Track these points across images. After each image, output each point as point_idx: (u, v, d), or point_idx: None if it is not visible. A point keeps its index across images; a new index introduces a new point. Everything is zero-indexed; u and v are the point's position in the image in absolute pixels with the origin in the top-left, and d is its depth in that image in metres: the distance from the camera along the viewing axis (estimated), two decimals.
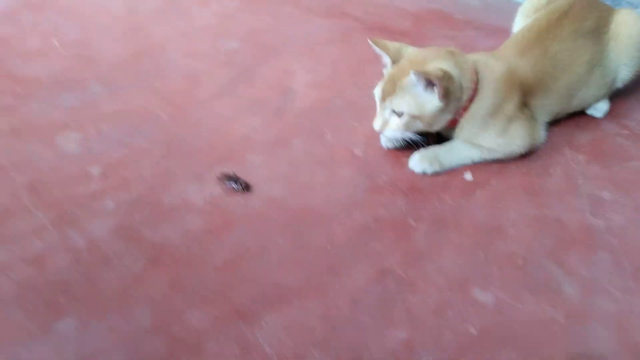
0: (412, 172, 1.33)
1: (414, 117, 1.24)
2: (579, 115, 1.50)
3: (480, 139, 1.31)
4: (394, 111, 1.26)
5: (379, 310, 1.01)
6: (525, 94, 1.32)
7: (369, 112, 1.50)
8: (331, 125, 1.49)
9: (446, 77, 1.19)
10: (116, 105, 1.55)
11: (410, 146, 1.38)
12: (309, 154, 1.39)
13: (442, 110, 1.24)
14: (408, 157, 1.35)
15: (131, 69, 1.72)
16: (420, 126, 1.27)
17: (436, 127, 1.29)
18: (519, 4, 1.63)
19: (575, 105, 1.45)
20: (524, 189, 1.28)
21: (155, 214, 1.20)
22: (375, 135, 1.42)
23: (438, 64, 1.22)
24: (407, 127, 1.26)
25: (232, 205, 1.24)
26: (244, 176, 1.30)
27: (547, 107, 1.38)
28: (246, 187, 1.27)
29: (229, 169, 1.32)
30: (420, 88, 1.21)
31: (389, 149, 1.40)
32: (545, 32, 1.38)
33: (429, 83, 1.19)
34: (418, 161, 1.32)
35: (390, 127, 1.28)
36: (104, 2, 2.12)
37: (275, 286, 1.06)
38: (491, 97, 1.27)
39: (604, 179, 1.30)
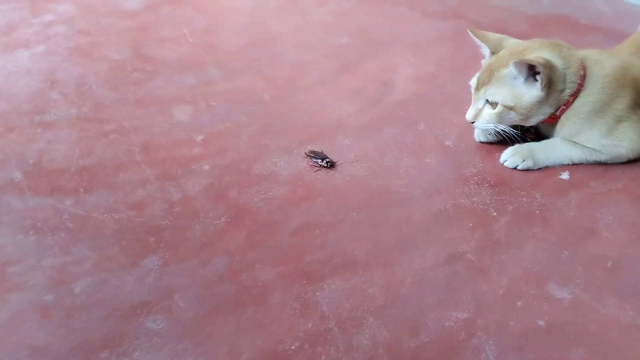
0: (503, 167, 1.27)
1: (508, 108, 1.20)
2: None
3: (582, 138, 1.23)
4: (487, 101, 1.22)
5: (444, 290, 0.99)
6: (638, 95, 1.21)
7: (467, 106, 1.48)
8: (425, 117, 1.48)
9: (548, 65, 1.13)
10: (227, 85, 1.68)
11: (505, 142, 1.34)
12: (398, 140, 1.40)
13: (540, 103, 1.18)
14: (501, 152, 1.30)
15: (245, 57, 1.86)
16: (515, 118, 1.22)
17: (532, 120, 1.23)
18: None
19: None
20: (628, 195, 1.17)
21: (243, 180, 1.29)
22: (469, 128, 1.39)
23: (541, 53, 1.17)
24: (500, 118, 1.22)
25: (315, 179, 1.28)
26: (331, 155, 1.34)
27: None
28: (331, 165, 1.31)
29: (318, 148, 1.37)
30: (519, 79, 1.17)
31: (481, 143, 1.36)
32: None
33: (531, 72, 1.14)
34: (510, 155, 1.26)
35: (483, 118, 1.24)
36: (232, 0, 2.31)
37: (343, 254, 1.08)
38: (598, 93, 1.19)
39: None
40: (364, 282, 1.01)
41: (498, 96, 1.20)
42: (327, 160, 1.31)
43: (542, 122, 1.25)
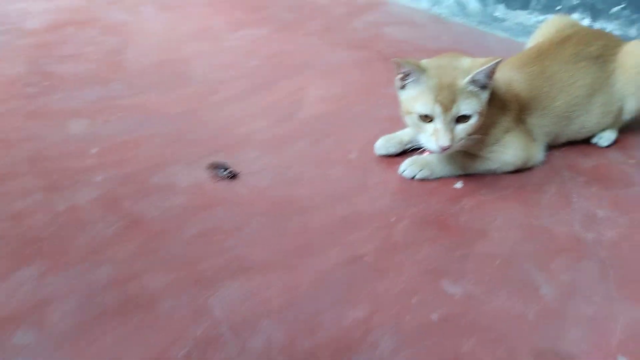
0: (402, 177, 1.31)
1: (480, 115, 1.17)
2: (583, 143, 1.45)
3: (475, 147, 1.29)
4: (456, 119, 1.17)
5: (342, 291, 0.97)
6: (521, 109, 1.30)
7: (372, 123, 1.53)
8: (332, 133, 1.50)
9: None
10: (131, 100, 1.63)
11: (403, 155, 1.38)
12: (304, 154, 1.40)
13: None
14: (400, 164, 1.34)
15: (153, 74, 1.82)
16: (473, 128, 1.19)
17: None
18: None
19: (575, 131, 1.40)
20: (516, 200, 1.23)
21: (139, 190, 1.23)
22: (372, 143, 1.42)
23: (482, 62, 1.18)
24: (466, 132, 1.18)
25: (216, 189, 1.25)
26: (235, 167, 1.32)
27: (544, 127, 1.35)
28: (233, 175, 1.28)
29: (222, 160, 1.34)
30: (477, 86, 1.17)
31: (381, 156, 1.39)
32: (546, 51, 1.37)
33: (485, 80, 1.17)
34: (409, 165, 1.30)
35: (458, 135, 1.17)
36: (144, 24, 2.28)
37: (241, 259, 1.04)
38: (492, 105, 1.26)
39: (601, 198, 1.24)
40: (261, 285, 0.98)
41: (473, 106, 1.16)
42: (230, 170, 1.29)
43: None
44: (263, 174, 1.31)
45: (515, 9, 2.21)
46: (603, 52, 1.38)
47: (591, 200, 1.23)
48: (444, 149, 1.16)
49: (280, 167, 1.34)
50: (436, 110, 1.15)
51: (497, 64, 1.15)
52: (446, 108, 1.14)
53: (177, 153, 1.38)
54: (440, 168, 1.30)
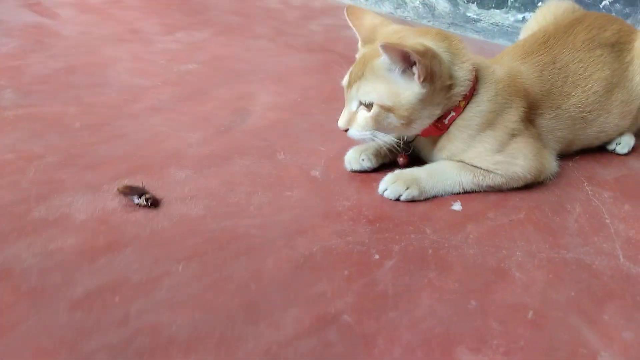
0: (383, 198, 0.99)
1: (385, 109, 0.93)
2: (597, 150, 1.19)
3: (472, 155, 0.99)
4: (361, 102, 0.95)
5: None
6: (531, 109, 1.02)
7: (337, 133, 1.20)
8: (287, 146, 1.17)
9: (429, 55, 0.89)
10: (22, 111, 1.25)
11: (382, 169, 1.07)
12: (251, 173, 1.06)
13: (423, 102, 0.92)
14: (379, 181, 1.02)
15: (58, 81, 1.44)
16: (396, 123, 0.94)
17: (416, 127, 0.97)
18: None
19: (592, 136, 1.14)
20: (534, 226, 0.93)
21: (14, 228, 0.85)
22: (340, 157, 1.10)
23: (422, 40, 0.93)
24: (377, 123, 0.94)
25: (127, 223, 0.89)
26: (158, 192, 0.97)
27: (556, 131, 1.07)
28: (152, 203, 0.93)
29: (139, 182, 0.98)
30: (395, 71, 0.91)
31: (354, 172, 1.07)
32: (554, 39, 1.10)
33: (408, 63, 0.89)
34: (391, 183, 0.99)
35: (357, 123, 0.96)
36: (59, 27, 1.90)
37: (154, 331, 0.68)
38: (489, 102, 0.97)
39: (639, 218, 0.96)
40: None
41: (373, 94, 0.93)
42: (147, 196, 0.93)
43: (425, 133, 1.00)
44: (195, 200, 0.96)
45: (490, 8, 1.97)
46: (619, 38, 1.13)
47: (628, 222, 0.95)
48: (344, 131, 0.98)
49: (218, 190, 1.00)
50: (345, 84, 0.99)
51: (417, 52, 0.86)
52: (349, 85, 0.97)
53: (75, 176, 1.01)
54: (431, 185, 0.99)
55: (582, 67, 1.07)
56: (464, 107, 0.97)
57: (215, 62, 1.66)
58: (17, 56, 1.60)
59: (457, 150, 0.99)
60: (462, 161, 1.00)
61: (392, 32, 0.98)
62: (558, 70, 1.05)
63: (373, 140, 0.97)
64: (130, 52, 1.70)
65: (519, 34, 1.80)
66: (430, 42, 0.92)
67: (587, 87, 1.07)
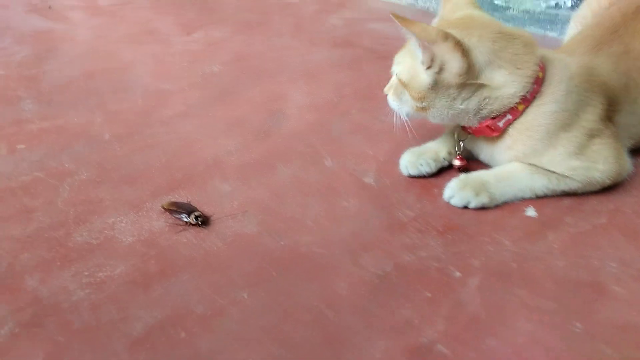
0: (449, 206, 0.91)
1: (402, 84, 0.92)
2: None
3: (545, 160, 0.91)
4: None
5: None
6: (610, 105, 0.93)
7: (382, 134, 1.13)
8: (332, 150, 1.09)
9: (446, 45, 0.83)
10: (46, 123, 1.18)
11: (442, 173, 0.99)
12: (300, 181, 0.99)
13: (435, 92, 0.88)
14: (442, 187, 0.94)
15: (79, 89, 1.37)
16: (410, 103, 0.93)
17: (436, 115, 0.92)
18: None
19: None
20: (620, 232, 0.85)
21: (55, 256, 0.78)
22: (393, 161, 1.02)
23: (459, 31, 0.87)
24: (396, 94, 0.96)
25: (178, 245, 0.81)
26: (206, 207, 0.89)
27: (631, 128, 0.99)
28: (203, 221, 0.85)
29: (183, 198, 0.91)
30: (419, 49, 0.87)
31: (411, 177, 0.99)
32: (623, 27, 1.01)
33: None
34: (458, 189, 0.90)
35: (399, 97, 0.96)
36: (71, 31, 1.82)
37: None
38: (563, 100, 0.89)
39: None
40: None
41: (399, 66, 0.94)
42: (197, 214, 0.85)
43: (477, 132, 0.93)
44: (247, 216, 0.88)
45: None
46: None
47: None
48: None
49: (269, 204, 0.92)
50: None
51: (426, 38, 0.83)
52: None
53: (113, 193, 0.93)
54: (502, 191, 0.91)
55: None
56: (523, 110, 0.89)
57: (239, 62, 1.58)
58: (32, 64, 1.52)
59: (524, 153, 0.91)
60: (533, 165, 0.92)
61: (457, 18, 0.92)
62: (633, 61, 0.97)
63: (399, 110, 0.97)
64: (150, 55, 1.62)
65: (551, 22, 1.72)
66: (469, 37, 0.85)
67: None
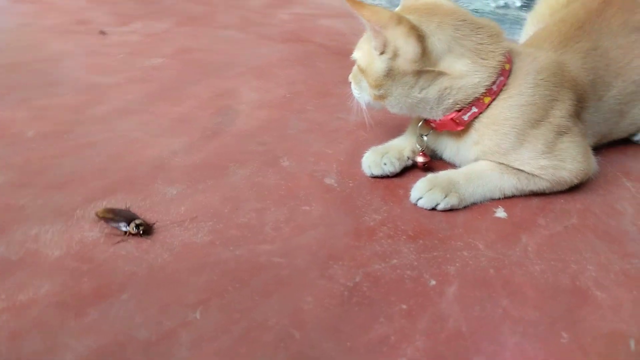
0: (417, 208, 0.85)
1: (360, 70, 0.89)
2: (621, 143, 1.10)
3: (513, 158, 0.86)
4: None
5: None
6: (578, 102, 0.91)
7: (340, 132, 1.06)
8: (289, 150, 1.01)
9: (399, 30, 0.79)
10: None
11: (406, 172, 0.93)
12: (255, 185, 0.89)
13: (391, 79, 0.84)
14: (407, 187, 0.88)
15: (3, 82, 1.20)
16: (369, 90, 0.88)
17: (392, 105, 0.88)
18: None
19: (623, 128, 1.04)
20: (593, 232, 0.82)
21: None
22: (354, 161, 0.96)
23: (418, 16, 0.82)
24: (356, 80, 0.92)
25: (116, 258, 0.70)
26: (148, 214, 0.78)
27: (595, 126, 0.97)
28: (145, 230, 0.74)
29: (121, 204, 0.80)
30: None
31: (374, 177, 0.93)
32: (589, 23, 0.99)
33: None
34: (426, 190, 0.85)
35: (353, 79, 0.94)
36: None
37: None
38: (531, 93, 0.85)
39: None
40: None
41: (358, 52, 0.90)
42: (137, 222, 0.74)
43: (440, 127, 0.89)
44: (196, 223, 0.78)
45: None
46: None
47: None
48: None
49: (221, 209, 0.82)
50: None
51: (376, 20, 0.80)
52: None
53: (37, 199, 0.81)
54: (471, 191, 0.86)
55: (621, 53, 0.97)
56: (489, 103, 0.85)
57: (183, 56, 1.47)
58: None
59: (490, 150, 0.86)
60: (501, 163, 0.88)
61: (420, 3, 0.87)
62: (600, 57, 0.95)
63: (359, 98, 0.93)
64: (82, 46, 1.47)
65: (499, 21, 1.71)
66: (427, 23, 0.81)
67: (627, 76, 0.97)
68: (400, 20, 0.79)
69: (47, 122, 1.04)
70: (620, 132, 1.04)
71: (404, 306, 0.65)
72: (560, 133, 0.87)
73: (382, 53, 0.81)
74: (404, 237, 0.78)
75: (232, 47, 1.57)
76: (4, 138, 0.97)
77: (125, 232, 0.74)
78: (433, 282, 0.70)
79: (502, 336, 0.62)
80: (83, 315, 0.61)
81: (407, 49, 0.80)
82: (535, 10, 1.24)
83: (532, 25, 1.22)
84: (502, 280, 0.71)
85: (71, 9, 1.78)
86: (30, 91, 1.17)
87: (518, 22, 1.76)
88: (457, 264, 0.73)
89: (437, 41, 0.81)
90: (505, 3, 1.83)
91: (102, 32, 1.54)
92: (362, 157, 0.95)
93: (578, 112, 0.90)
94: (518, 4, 1.80)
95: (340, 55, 1.54)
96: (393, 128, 1.06)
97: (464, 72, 0.83)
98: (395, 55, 0.81)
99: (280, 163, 0.97)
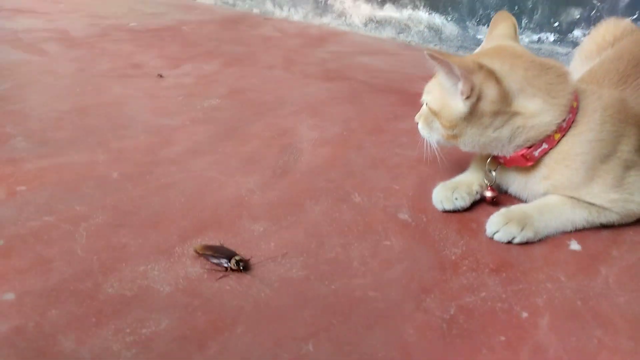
0: (492, 241, 0.89)
1: (432, 113, 0.94)
2: None
3: (584, 192, 0.90)
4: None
5: None
6: None
7: (403, 169, 1.10)
8: (357, 186, 1.06)
9: (481, 75, 0.85)
10: (45, 162, 1.08)
11: (475, 207, 0.97)
12: (333, 220, 0.94)
13: (467, 121, 0.89)
14: (479, 221, 0.92)
15: (74, 125, 1.28)
16: (441, 132, 0.94)
17: (465, 143, 0.93)
18: None
19: None
20: None
21: (88, 312, 0.69)
22: (423, 196, 1.00)
23: (491, 61, 0.88)
24: (427, 122, 0.96)
25: (222, 293, 0.74)
26: (241, 250, 0.83)
27: None
28: (243, 266, 0.78)
29: (214, 241, 0.84)
30: (451, 81, 0.88)
31: (446, 211, 0.97)
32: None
33: (456, 76, 0.86)
34: (503, 224, 0.88)
35: (429, 126, 0.97)
36: (50, 64, 1.72)
37: None
38: (599, 130, 0.89)
39: None
40: None
41: (429, 95, 0.96)
42: (237, 258, 0.79)
43: (509, 163, 0.94)
44: (288, 258, 0.83)
45: None
46: None
47: None
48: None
49: (307, 245, 0.87)
50: None
51: (465, 68, 0.84)
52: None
53: (137, 238, 0.85)
54: (544, 224, 0.90)
55: None
56: (560, 139, 0.90)
57: (237, 96, 1.53)
58: (15, 98, 1.42)
59: (561, 185, 0.91)
60: (572, 197, 0.91)
61: (489, 48, 0.94)
62: None
63: (429, 138, 0.97)
64: (141, 89, 1.54)
65: None
66: (501, 66, 0.87)
67: None
68: (480, 65, 0.84)
69: (127, 163, 1.10)
70: None
71: (503, 338, 0.69)
72: (628, 167, 0.91)
73: (468, 97, 0.86)
74: (487, 270, 0.82)
75: (281, 86, 1.64)
76: (92, 179, 1.02)
77: (227, 268, 0.78)
78: (525, 314, 0.73)
79: None
80: (205, 348, 0.65)
81: (489, 91, 0.85)
82: (582, 47, 1.29)
83: (579, 61, 1.28)
84: (591, 311, 0.74)
85: (123, 54, 1.87)
86: (104, 134, 1.23)
87: (552, 56, 1.82)
88: (543, 296, 0.76)
89: (511, 82, 0.87)
90: (539, 38, 1.89)
91: (160, 75, 1.61)
92: (429, 191, 1.00)
93: None
94: (552, 38, 1.86)
95: (385, 92, 1.61)
96: (454, 163, 1.10)
97: (536, 111, 0.87)
98: (478, 99, 0.86)
99: (352, 199, 1.01)
